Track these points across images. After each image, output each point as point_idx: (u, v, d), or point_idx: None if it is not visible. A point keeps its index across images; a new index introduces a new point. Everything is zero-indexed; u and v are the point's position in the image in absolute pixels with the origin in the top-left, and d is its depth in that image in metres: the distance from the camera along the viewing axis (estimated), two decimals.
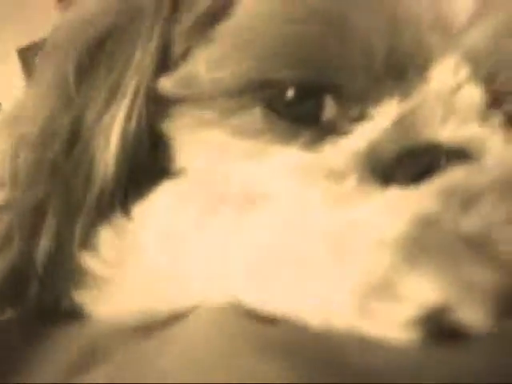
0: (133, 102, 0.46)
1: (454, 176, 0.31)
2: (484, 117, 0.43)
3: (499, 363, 0.27)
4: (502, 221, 0.28)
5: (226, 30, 0.44)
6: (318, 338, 0.31)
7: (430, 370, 0.27)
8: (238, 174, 0.43)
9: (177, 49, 0.46)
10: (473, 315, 0.27)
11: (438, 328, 0.28)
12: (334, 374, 0.27)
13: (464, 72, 0.43)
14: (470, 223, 0.28)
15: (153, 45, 0.46)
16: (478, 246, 0.27)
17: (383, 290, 0.29)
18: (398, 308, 0.28)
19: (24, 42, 2.38)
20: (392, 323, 0.28)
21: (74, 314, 0.46)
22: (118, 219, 0.46)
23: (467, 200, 0.29)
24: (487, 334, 0.28)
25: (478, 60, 0.43)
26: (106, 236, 0.45)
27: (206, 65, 0.44)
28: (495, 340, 0.28)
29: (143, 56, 0.46)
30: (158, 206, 0.44)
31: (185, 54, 0.46)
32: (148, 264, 0.43)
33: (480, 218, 0.28)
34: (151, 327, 0.41)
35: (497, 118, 0.44)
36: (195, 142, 0.47)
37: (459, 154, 0.41)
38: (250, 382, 0.28)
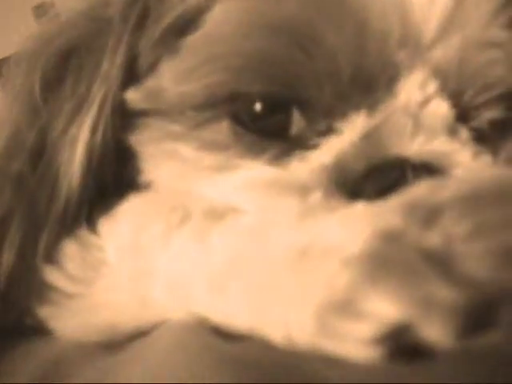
0: (99, 113, 0.45)
1: (417, 191, 0.31)
2: (452, 131, 0.43)
3: (462, 381, 0.27)
4: (463, 236, 0.27)
5: (193, 42, 0.43)
6: (279, 355, 0.31)
7: None
8: (204, 188, 0.43)
9: (144, 61, 0.46)
10: (435, 332, 0.27)
11: (401, 345, 0.28)
12: None
13: (431, 87, 0.42)
14: (432, 239, 0.28)
15: (120, 57, 0.46)
16: (439, 263, 0.27)
17: (344, 307, 0.28)
18: (359, 326, 0.28)
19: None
20: (354, 341, 0.28)
21: (38, 331, 0.45)
22: (84, 233, 0.45)
23: (429, 215, 0.28)
24: (451, 352, 0.27)
25: (445, 75, 0.43)
26: (70, 250, 0.44)
27: (173, 78, 0.44)
28: (458, 358, 0.28)
29: (110, 68, 0.46)
30: (122, 221, 0.43)
31: (152, 67, 0.45)
32: (112, 280, 0.42)
33: (441, 234, 0.28)
34: (115, 344, 0.41)
35: (465, 133, 0.44)
36: (162, 155, 0.46)
37: (427, 169, 0.41)
38: None
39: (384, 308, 0.27)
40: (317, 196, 0.37)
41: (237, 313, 0.34)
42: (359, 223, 0.30)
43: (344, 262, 0.29)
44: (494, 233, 0.27)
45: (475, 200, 0.28)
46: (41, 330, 0.45)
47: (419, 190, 0.31)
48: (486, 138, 0.45)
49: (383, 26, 0.41)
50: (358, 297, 0.28)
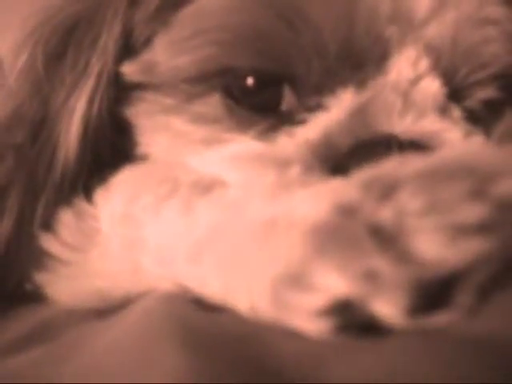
0: (96, 86, 0.46)
1: (381, 167, 0.31)
2: (443, 110, 0.43)
3: (412, 358, 0.27)
4: (416, 212, 0.27)
5: (185, 16, 0.44)
6: (241, 327, 0.31)
7: (337, 362, 0.27)
8: (193, 160, 0.43)
9: (139, 34, 0.47)
10: (384, 309, 0.27)
11: (354, 320, 0.28)
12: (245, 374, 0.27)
13: (423, 64, 0.42)
14: (384, 214, 0.28)
15: (116, 30, 0.47)
16: (388, 238, 0.27)
17: (296, 279, 0.28)
18: (307, 299, 0.28)
19: None
20: (303, 313, 0.28)
21: (36, 297, 0.47)
22: (80, 203, 0.46)
23: (386, 190, 0.28)
24: (404, 329, 0.27)
25: (438, 53, 0.42)
26: (66, 219, 0.46)
27: (167, 51, 0.45)
28: (411, 336, 0.27)
29: (107, 41, 0.47)
30: (116, 191, 0.44)
31: (147, 40, 0.46)
32: (105, 248, 0.43)
33: (394, 209, 0.28)
34: (105, 311, 0.42)
35: (456, 112, 0.43)
36: (156, 128, 0.47)
37: (415, 147, 0.40)
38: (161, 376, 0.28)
39: (331, 281, 0.27)
40: (295, 170, 0.37)
41: (210, 283, 0.35)
42: (321, 197, 0.30)
43: (302, 234, 0.29)
44: (447, 209, 0.27)
45: (432, 176, 0.28)
46: (38, 296, 0.47)
47: (384, 165, 0.31)
48: (479, 118, 0.44)
49: (373, 1, 0.41)
50: (309, 269, 0.28)
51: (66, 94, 0.47)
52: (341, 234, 0.28)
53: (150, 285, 0.40)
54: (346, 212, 0.28)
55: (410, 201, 0.28)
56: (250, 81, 0.43)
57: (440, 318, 0.27)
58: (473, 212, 0.26)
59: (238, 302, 0.32)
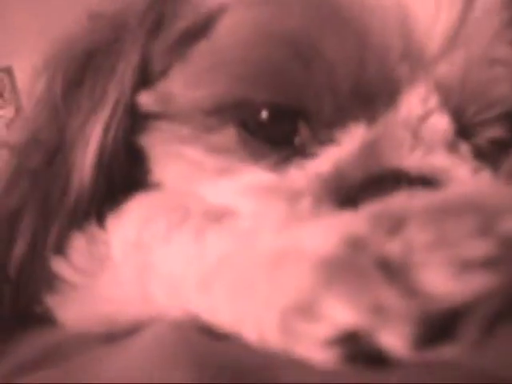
0: (112, 114, 0.47)
1: (390, 200, 0.31)
2: (452, 147, 0.43)
3: None
4: (423, 246, 0.28)
5: (204, 50, 0.45)
6: (250, 356, 0.31)
7: None
8: (206, 190, 0.44)
9: (157, 65, 0.48)
10: (390, 340, 0.27)
11: (361, 350, 0.29)
12: None
13: (433, 101, 0.43)
14: (392, 247, 0.28)
15: (134, 60, 0.48)
16: (395, 271, 0.28)
17: (305, 309, 0.29)
18: (315, 328, 0.28)
19: None
20: (310, 343, 0.29)
21: (46, 319, 0.47)
22: (92, 228, 0.47)
23: (394, 224, 0.29)
24: (409, 362, 0.28)
25: (447, 90, 0.43)
26: (78, 244, 0.46)
27: (183, 83, 0.46)
28: (415, 368, 0.28)
29: (125, 70, 0.48)
30: (129, 218, 0.45)
31: (164, 71, 0.47)
32: (115, 274, 0.44)
33: (402, 243, 0.28)
34: (114, 336, 0.42)
35: (465, 149, 0.44)
36: (170, 157, 0.48)
37: (424, 183, 0.41)
38: None
39: (338, 312, 0.28)
40: (306, 202, 0.38)
41: (220, 312, 0.35)
42: (331, 229, 0.31)
43: (312, 266, 0.30)
44: (454, 244, 0.27)
45: (440, 211, 0.29)
46: (48, 319, 0.47)
47: (393, 199, 0.31)
48: (487, 155, 0.45)
49: (384, 40, 0.42)
50: (317, 300, 0.28)
51: (82, 121, 0.48)
52: (349, 267, 0.28)
53: (160, 312, 0.40)
54: (355, 245, 0.29)
55: (417, 235, 0.28)
56: (264, 114, 0.44)
57: (446, 351, 0.28)
58: (479, 248, 0.27)
59: (247, 331, 0.33)
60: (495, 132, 0.45)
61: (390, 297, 0.27)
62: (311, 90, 0.43)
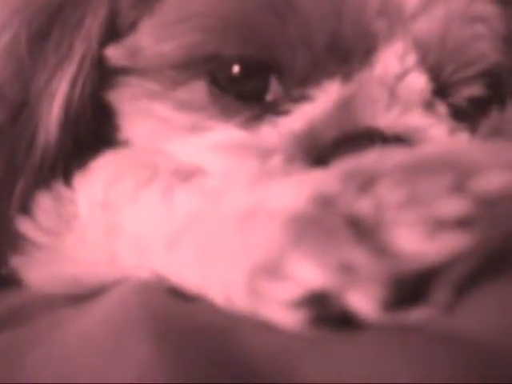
0: (79, 69, 0.46)
1: (362, 158, 0.30)
2: (429, 106, 0.42)
3: (385, 354, 0.26)
4: (395, 205, 0.27)
5: (173, 1, 0.43)
6: (213, 318, 0.31)
7: (310, 357, 0.27)
8: (175, 147, 0.43)
9: (125, 18, 0.46)
10: (359, 302, 0.26)
11: (328, 312, 0.28)
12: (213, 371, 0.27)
13: (411, 59, 0.42)
14: (363, 206, 0.27)
15: (102, 13, 0.46)
16: (368, 230, 0.27)
17: (272, 269, 0.28)
18: (281, 289, 0.27)
19: None
20: (278, 304, 0.28)
21: (11, 281, 0.46)
22: (59, 186, 0.45)
23: (365, 182, 0.28)
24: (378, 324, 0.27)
25: (426, 48, 0.42)
26: (44, 203, 0.45)
27: (152, 36, 0.44)
28: (386, 331, 0.27)
29: (92, 24, 0.46)
30: (96, 176, 0.44)
31: (133, 24, 0.45)
32: (82, 234, 0.43)
33: (373, 201, 0.27)
34: (80, 297, 0.41)
35: (442, 109, 0.43)
36: (138, 114, 0.46)
37: (399, 142, 0.40)
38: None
39: (306, 272, 0.27)
40: (277, 160, 0.37)
41: (186, 272, 0.34)
42: (303, 187, 0.30)
43: (281, 224, 0.29)
44: (427, 203, 0.26)
45: (413, 169, 0.28)
46: (14, 280, 0.46)
47: (365, 157, 0.30)
48: (464, 115, 0.44)
49: None
50: (285, 259, 0.27)
51: (48, 76, 0.47)
52: (318, 225, 0.27)
53: (127, 273, 0.39)
54: (325, 203, 0.28)
55: (389, 193, 0.27)
56: (236, 69, 0.43)
57: (416, 314, 0.27)
58: (453, 206, 0.26)
59: (214, 292, 0.32)
60: (473, 91, 0.44)
61: (359, 256, 0.26)
62: (285, 45, 0.41)
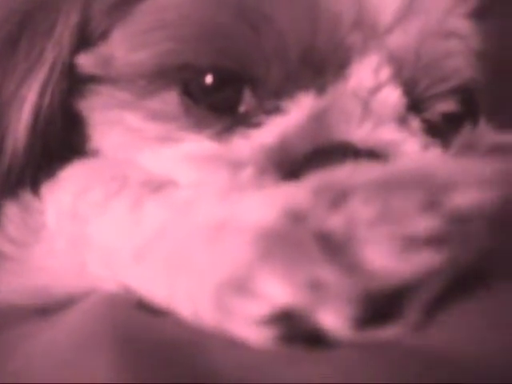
0: (49, 76, 0.45)
1: (334, 173, 0.30)
2: (402, 120, 0.42)
3: (357, 372, 0.26)
4: (367, 221, 0.26)
5: (146, 9, 0.43)
6: (180, 334, 0.30)
7: (278, 372, 0.26)
8: (145, 158, 0.42)
9: (97, 26, 0.45)
10: (329, 320, 0.26)
11: (298, 329, 0.27)
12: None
13: (385, 73, 0.42)
14: (334, 221, 0.27)
15: (73, 20, 0.45)
16: (338, 247, 0.26)
17: (240, 285, 0.27)
18: (250, 305, 0.27)
19: None
20: (245, 321, 0.27)
21: None
22: (27, 196, 0.45)
23: (337, 198, 0.27)
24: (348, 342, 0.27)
25: (400, 62, 0.42)
26: (11, 212, 0.44)
27: (124, 45, 0.43)
28: (357, 349, 0.27)
29: (63, 31, 0.45)
30: (65, 186, 0.43)
31: (105, 32, 0.45)
32: (50, 244, 0.42)
33: (345, 217, 0.27)
34: (47, 309, 0.40)
35: (415, 123, 0.43)
36: (109, 123, 0.46)
37: (372, 156, 0.40)
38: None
39: (274, 289, 0.26)
40: (248, 173, 0.37)
41: (154, 285, 0.34)
42: (274, 201, 0.29)
43: (250, 238, 0.28)
44: (399, 220, 0.26)
45: (385, 185, 0.27)
46: None
47: (337, 172, 0.30)
48: (437, 130, 0.44)
49: (336, 7, 0.40)
50: (253, 276, 0.27)
51: (17, 83, 0.46)
52: (288, 241, 0.27)
53: (95, 284, 0.39)
54: (295, 218, 0.28)
55: (361, 209, 0.27)
56: (208, 79, 0.42)
57: (387, 331, 0.27)
58: (425, 224, 0.26)
59: (181, 307, 0.31)
60: (447, 106, 0.44)
61: (328, 273, 0.25)
62: (258, 56, 0.41)
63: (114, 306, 0.35)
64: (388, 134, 0.41)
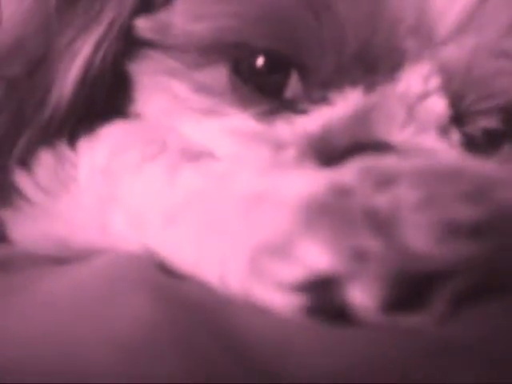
0: (105, 34, 0.45)
1: (379, 159, 0.30)
2: (443, 131, 0.42)
3: (376, 352, 0.26)
4: (413, 205, 0.27)
5: None
6: (206, 297, 0.30)
7: (304, 341, 0.26)
8: (187, 128, 0.43)
9: None
10: (360, 296, 0.26)
11: (325, 303, 0.27)
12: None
13: (434, 82, 0.42)
14: (381, 201, 0.27)
15: None
16: (381, 223, 0.27)
17: (277, 250, 0.28)
18: (286, 269, 0.27)
19: None
20: (278, 285, 0.28)
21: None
22: (63, 148, 0.45)
23: (384, 179, 0.28)
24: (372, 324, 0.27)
25: (450, 74, 0.42)
26: (45, 160, 0.44)
27: (185, 15, 0.44)
28: (380, 331, 0.27)
29: None
30: (102, 143, 0.43)
31: (166, 0, 0.45)
32: (78, 198, 0.42)
33: (391, 199, 0.27)
34: (64, 260, 0.40)
35: (456, 136, 0.43)
36: (157, 89, 0.46)
37: None
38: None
39: (315, 254, 0.26)
40: (289, 154, 0.37)
41: (182, 249, 0.34)
42: (319, 177, 0.30)
43: (292, 208, 0.29)
44: (444, 206, 0.26)
45: (432, 174, 0.28)
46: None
47: (382, 159, 0.30)
48: (477, 146, 0.44)
49: (398, 10, 0.41)
50: (294, 241, 0.27)
51: (72, 36, 0.46)
52: (332, 211, 0.27)
53: (116, 244, 0.39)
54: (342, 192, 0.28)
55: (407, 192, 0.27)
56: (260, 61, 0.43)
57: (411, 319, 0.27)
58: (468, 213, 0.26)
59: (208, 271, 0.32)
60: (489, 123, 0.44)
61: (372, 246, 0.26)
62: (315, 44, 0.41)
63: (140, 261, 0.35)
64: (428, 141, 0.41)
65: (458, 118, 0.43)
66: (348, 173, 0.29)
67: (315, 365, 0.25)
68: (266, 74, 0.43)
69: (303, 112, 0.42)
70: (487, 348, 0.25)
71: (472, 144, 0.44)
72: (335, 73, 0.42)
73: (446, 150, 0.41)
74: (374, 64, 0.42)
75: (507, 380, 0.24)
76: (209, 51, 0.44)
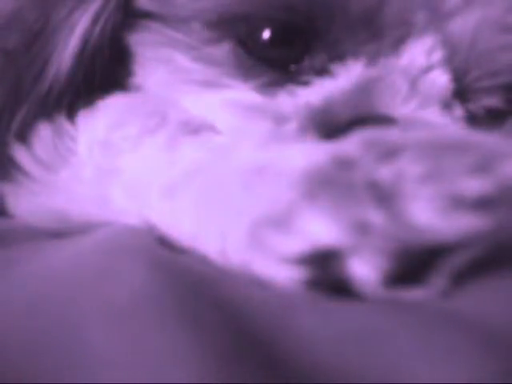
0: (103, 6, 0.45)
1: (382, 131, 0.30)
2: (446, 106, 0.42)
3: (380, 321, 0.26)
4: (416, 177, 0.26)
5: None
6: (204, 269, 0.30)
7: (305, 314, 0.26)
8: (188, 99, 0.42)
9: None
10: (364, 266, 0.26)
11: (326, 276, 0.27)
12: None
13: (438, 56, 0.42)
14: (384, 173, 0.27)
15: None
16: (384, 196, 0.26)
17: (278, 222, 0.27)
18: (287, 242, 0.27)
19: None
20: (279, 257, 0.27)
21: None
22: (62, 121, 0.44)
23: (387, 152, 0.28)
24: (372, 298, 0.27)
25: (455, 48, 0.42)
26: (44, 134, 0.44)
27: None
28: (381, 303, 0.27)
29: None
30: (102, 116, 0.43)
31: None
32: (77, 171, 0.42)
33: (394, 171, 0.27)
34: (63, 233, 0.40)
35: (459, 111, 0.43)
36: (157, 60, 0.46)
37: None
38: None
39: (317, 226, 0.26)
40: (291, 127, 0.37)
41: (180, 221, 0.33)
42: (321, 149, 0.29)
43: (294, 179, 0.28)
44: (448, 179, 0.26)
45: (436, 146, 0.28)
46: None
47: (385, 131, 0.30)
48: (479, 124, 0.44)
49: None
50: (296, 212, 0.27)
51: (71, 8, 0.46)
52: (335, 183, 0.27)
53: (115, 216, 0.39)
54: (344, 163, 0.28)
55: (410, 165, 0.27)
56: (266, 34, 0.43)
57: (413, 293, 0.27)
58: (474, 185, 0.26)
59: (207, 244, 0.31)
60: (492, 101, 0.44)
61: (375, 217, 0.25)
62: (321, 12, 0.41)
63: (138, 232, 0.35)
64: (430, 115, 0.41)
65: (462, 93, 0.43)
66: (351, 145, 0.29)
67: (315, 337, 0.25)
68: (271, 47, 0.43)
69: (306, 84, 0.42)
70: (490, 322, 0.24)
71: (474, 121, 0.44)
72: (339, 44, 0.42)
73: (448, 124, 0.41)
74: (379, 34, 0.41)
75: (508, 354, 0.24)
76: (212, 25, 0.43)
